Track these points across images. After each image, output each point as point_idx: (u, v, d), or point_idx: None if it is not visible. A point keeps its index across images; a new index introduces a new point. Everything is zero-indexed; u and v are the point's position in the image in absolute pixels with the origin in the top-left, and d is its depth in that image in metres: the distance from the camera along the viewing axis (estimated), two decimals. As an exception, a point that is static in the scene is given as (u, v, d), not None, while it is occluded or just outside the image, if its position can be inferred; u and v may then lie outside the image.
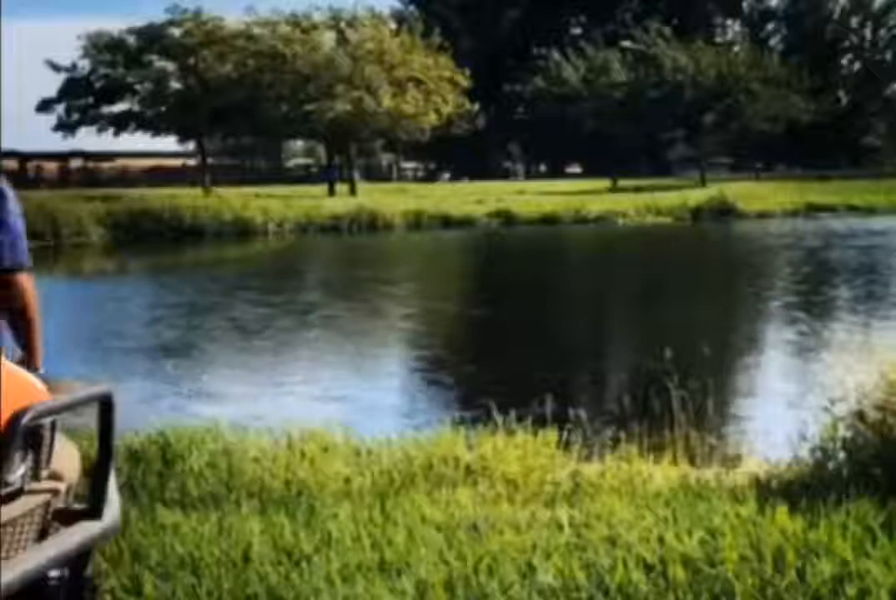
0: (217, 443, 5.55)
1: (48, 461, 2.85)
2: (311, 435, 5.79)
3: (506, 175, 76.25)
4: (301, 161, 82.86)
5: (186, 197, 36.33)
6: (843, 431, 4.91)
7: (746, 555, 3.76)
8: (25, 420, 2.53)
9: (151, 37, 47.76)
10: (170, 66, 48.57)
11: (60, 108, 48.85)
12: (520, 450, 5.41)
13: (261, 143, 67.34)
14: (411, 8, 77.23)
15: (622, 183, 54.01)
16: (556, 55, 60.39)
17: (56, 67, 48.09)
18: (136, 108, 48.98)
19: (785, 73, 58.51)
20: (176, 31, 47.92)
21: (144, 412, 5.95)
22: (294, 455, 5.38)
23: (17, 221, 4.26)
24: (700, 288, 18.84)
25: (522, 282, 20.16)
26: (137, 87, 48.46)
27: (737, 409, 8.32)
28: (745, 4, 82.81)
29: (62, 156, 64.73)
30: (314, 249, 30.49)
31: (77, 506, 2.94)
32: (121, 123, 49.09)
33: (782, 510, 4.18)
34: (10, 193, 4.26)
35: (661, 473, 5.09)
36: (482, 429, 5.83)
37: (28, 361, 4.01)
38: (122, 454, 5.23)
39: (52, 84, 49.40)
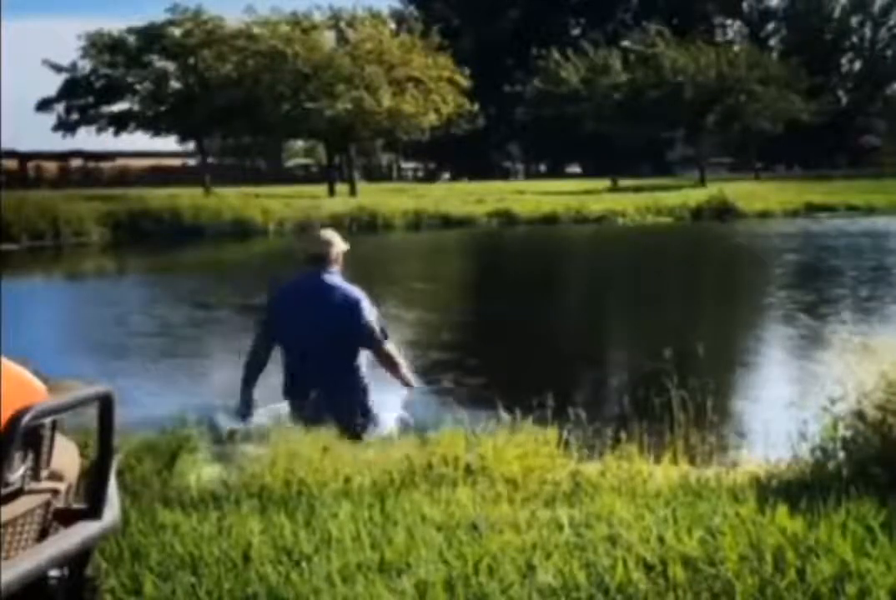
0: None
1: (48, 461, 2.86)
2: (311, 433, 5.78)
3: (506, 175, 76.35)
4: (301, 161, 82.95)
5: (186, 197, 36.30)
6: (843, 431, 4.91)
7: (746, 555, 3.76)
8: (26, 420, 2.53)
9: (151, 37, 47.71)
10: (170, 65, 48.52)
11: (60, 108, 48.83)
12: (520, 449, 5.41)
13: (261, 142, 67.35)
14: (411, 8, 77.30)
15: (622, 183, 54.01)
16: (556, 55, 60.38)
17: (56, 67, 48.05)
18: (136, 107, 48.92)
19: (785, 73, 58.53)
20: (176, 31, 47.87)
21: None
22: (294, 454, 5.38)
23: (373, 315, 6.76)
24: (700, 287, 18.85)
25: (522, 280, 20.17)
26: (137, 86, 48.41)
27: (737, 409, 8.32)
28: (745, 4, 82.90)
29: (62, 156, 64.77)
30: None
31: (77, 506, 2.94)
32: (121, 123, 49.05)
33: (782, 510, 4.18)
34: (362, 295, 6.78)
35: (662, 473, 5.09)
36: (482, 428, 5.83)
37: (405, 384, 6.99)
38: (122, 453, 5.23)
39: (52, 84, 49.46)
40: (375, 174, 74.81)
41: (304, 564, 3.84)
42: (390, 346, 6.79)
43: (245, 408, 6.66)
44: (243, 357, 7.16)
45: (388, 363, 6.81)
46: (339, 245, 6.83)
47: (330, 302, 6.59)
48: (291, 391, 6.70)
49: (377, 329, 6.68)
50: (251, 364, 6.95)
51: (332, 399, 6.28)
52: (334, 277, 6.71)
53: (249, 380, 6.86)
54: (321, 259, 6.73)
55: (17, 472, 2.69)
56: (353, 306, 6.60)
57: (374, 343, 6.69)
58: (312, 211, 35.22)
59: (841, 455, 4.85)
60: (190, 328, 13.99)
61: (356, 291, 6.73)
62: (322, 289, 6.62)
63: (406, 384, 6.85)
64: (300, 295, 6.80)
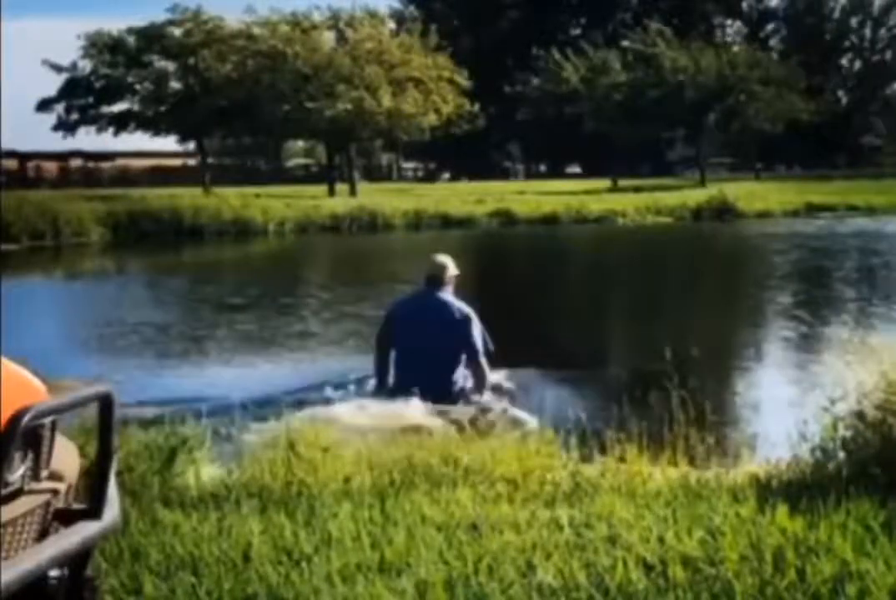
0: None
1: (48, 461, 2.86)
2: (311, 434, 5.78)
3: (506, 175, 76.22)
4: (301, 161, 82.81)
5: (186, 197, 36.29)
6: (843, 431, 4.90)
7: (746, 555, 3.76)
8: (26, 420, 2.53)
9: (151, 37, 47.70)
10: (170, 65, 48.51)
11: (60, 108, 48.79)
12: (519, 449, 5.41)
13: (261, 142, 67.28)
14: (410, 8, 77.24)
15: (622, 183, 53.98)
16: (556, 55, 60.31)
17: (56, 67, 48.02)
18: (136, 107, 48.90)
19: (785, 73, 58.50)
20: (176, 31, 47.87)
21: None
22: (294, 455, 5.38)
23: (478, 330, 7.90)
24: (699, 287, 18.85)
25: (522, 280, 20.16)
26: (137, 86, 48.40)
27: (737, 409, 8.32)
28: (745, 4, 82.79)
29: (62, 156, 64.67)
30: (316, 250, 30.49)
31: (77, 506, 2.94)
32: (121, 123, 49.02)
33: (782, 510, 4.18)
34: (470, 311, 7.94)
35: (661, 473, 5.09)
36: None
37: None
38: (122, 453, 5.23)
39: (52, 84, 49.42)
40: (375, 174, 74.75)
41: (304, 564, 3.84)
42: (484, 362, 7.87)
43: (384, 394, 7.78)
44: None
45: (476, 375, 7.87)
46: (451, 269, 8.12)
47: (441, 315, 7.82)
48: (398, 388, 7.69)
49: (478, 343, 7.83)
50: (378, 364, 8.09)
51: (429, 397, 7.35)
52: (447, 295, 7.96)
53: (382, 379, 7.99)
54: (437, 280, 8.02)
55: (17, 472, 2.69)
56: (461, 321, 7.82)
57: (471, 353, 7.83)
58: (312, 211, 35.24)
59: (841, 455, 4.85)
60: (187, 328, 14.00)
61: (465, 308, 7.95)
62: (435, 304, 7.89)
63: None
64: (416, 308, 8.08)
